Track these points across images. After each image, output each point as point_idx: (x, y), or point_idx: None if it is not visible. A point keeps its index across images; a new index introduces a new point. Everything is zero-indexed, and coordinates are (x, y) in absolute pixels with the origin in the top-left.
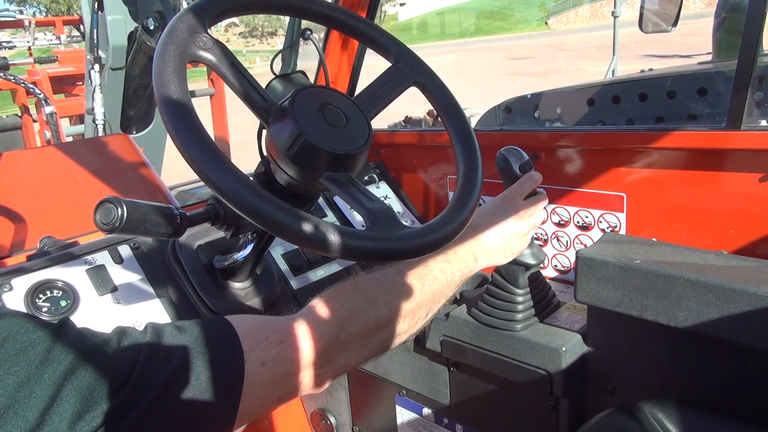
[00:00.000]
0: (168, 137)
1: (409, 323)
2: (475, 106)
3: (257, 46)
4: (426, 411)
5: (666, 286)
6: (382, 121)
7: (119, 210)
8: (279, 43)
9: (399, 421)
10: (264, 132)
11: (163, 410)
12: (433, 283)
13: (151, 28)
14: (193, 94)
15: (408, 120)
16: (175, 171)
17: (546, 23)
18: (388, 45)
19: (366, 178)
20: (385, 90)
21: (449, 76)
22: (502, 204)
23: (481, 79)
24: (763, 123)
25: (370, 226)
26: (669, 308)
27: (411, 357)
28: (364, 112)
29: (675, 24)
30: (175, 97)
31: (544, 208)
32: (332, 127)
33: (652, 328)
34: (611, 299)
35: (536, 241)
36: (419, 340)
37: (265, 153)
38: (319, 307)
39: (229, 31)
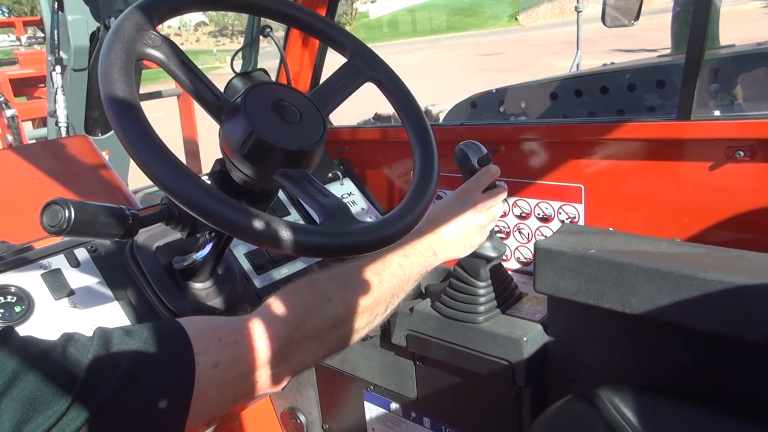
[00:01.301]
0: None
1: (367, 319)
2: (444, 103)
3: (228, 45)
4: (394, 406)
5: (620, 274)
6: (353, 118)
7: (66, 212)
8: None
9: (368, 416)
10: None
11: (111, 416)
12: (391, 278)
13: None
14: (159, 94)
15: (377, 117)
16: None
17: (516, 19)
18: (343, 41)
19: (330, 175)
20: (340, 86)
21: (421, 74)
22: (460, 197)
23: (453, 76)
24: (717, 113)
25: (323, 222)
26: (623, 295)
27: (378, 353)
28: (319, 108)
29: (637, 18)
30: (120, 95)
31: (505, 200)
32: (286, 123)
33: (608, 315)
34: (569, 288)
35: (498, 234)
36: (385, 336)
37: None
38: (275, 305)
39: (198, 30)
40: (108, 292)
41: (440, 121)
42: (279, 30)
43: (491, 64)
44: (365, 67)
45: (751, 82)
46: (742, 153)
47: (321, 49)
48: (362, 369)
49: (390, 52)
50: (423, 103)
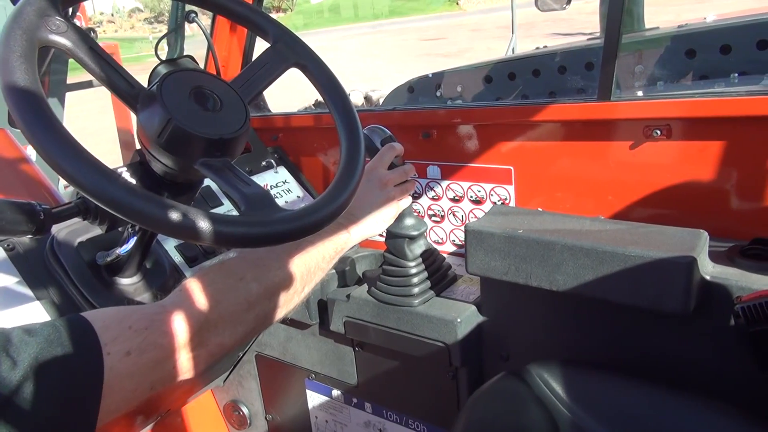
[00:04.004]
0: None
1: (284, 298)
2: (387, 88)
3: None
4: (335, 393)
5: (546, 252)
6: (296, 105)
7: None
8: (187, 28)
9: (310, 405)
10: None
11: (11, 417)
12: (305, 257)
13: None
14: (90, 84)
15: (317, 104)
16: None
17: (457, 3)
18: (265, 26)
19: (264, 163)
20: (263, 72)
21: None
22: (365, 176)
23: (396, 61)
24: (640, 94)
25: (245, 211)
26: (550, 273)
27: (317, 341)
28: (241, 95)
29: (568, 2)
30: (21, 84)
31: (440, 185)
32: (206, 111)
33: (537, 293)
34: (499, 269)
35: (434, 217)
36: (323, 323)
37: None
38: (187, 289)
39: (133, 17)
40: (28, 291)
41: (380, 103)
42: (206, 16)
43: (434, 49)
44: (289, 52)
45: (672, 63)
46: (659, 132)
47: (250, 35)
48: (302, 358)
49: (332, 38)
50: (363, 88)
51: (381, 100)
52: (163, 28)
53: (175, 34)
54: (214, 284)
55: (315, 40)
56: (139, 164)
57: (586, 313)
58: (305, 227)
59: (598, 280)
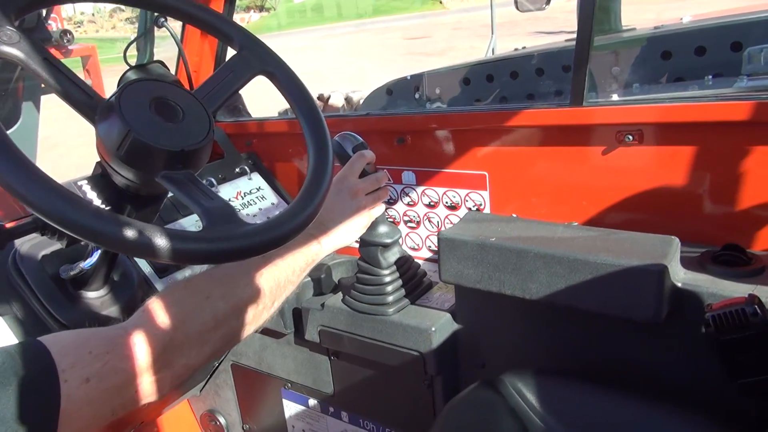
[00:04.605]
0: (38, 133)
1: (252, 314)
2: (369, 87)
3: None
4: (312, 402)
5: (519, 260)
6: (273, 109)
7: None
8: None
9: (287, 414)
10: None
11: None
12: (274, 271)
13: None
14: None
15: None
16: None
17: (440, 1)
18: (230, 33)
19: (237, 170)
20: (228, 80)
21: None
22: (335, 186)
23: (380, 60)
24: (615, 97)
25: (207, 226)
26: (523, 282)
27: (293, 350)
28: (205, 105)
29: (547, 3)
30: None
31: (415, 191)
32: (167, 122)
33: (510, 302)
34: (472, 277)
35: (410, 224)
36: (299, 332)
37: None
38: (150, 310)
39: (114, 17)
40: None
41: (360, 105)
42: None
43: (418, 48)
44: (255, 60)
45: (648, 64)
46: (630, 137)
47: None
48: (278, 367)
49: (315, 37)
50: (344, 89)
51: (362, 101)
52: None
53: (144, 38)
54: (179, 303)
55: (298, 39)
56: (100, 176)
57: (560, 321)
58: (270, 241)
59: (571, 288)
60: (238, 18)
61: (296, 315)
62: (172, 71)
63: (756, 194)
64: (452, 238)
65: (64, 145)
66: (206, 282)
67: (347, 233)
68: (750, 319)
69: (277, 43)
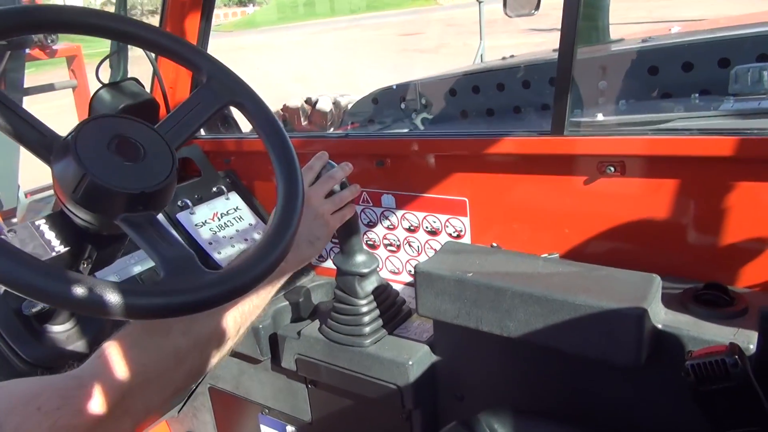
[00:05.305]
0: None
1: (215, 347)
2: (365, 84)
3: None
4: (290, 429)
5: (497, 297)
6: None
7: None
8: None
9: None
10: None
11: None
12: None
13: None
14: (52, 87)
15: (285, 109)
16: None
17: None
18: (198, 62)
19: (214, 189)
20: (195, 113)
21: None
22: None
23: (374, 57)
24: (600, 117)
25: (165, 277)
26: (501, 319)
27: (270, 376)
28: (168, 141)
29: (537, 8)
30: None
31: (395, 214)
32: (126, 162)
33: (489, 338)
34: (450, 312)
35: (389, 247)
36: (275, 359)
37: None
38: (106, 355)
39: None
40: None
41: (348, 110)
42: None
43: (411, 45)
44: (224, 90)
45: (634, 80)
46: (612, 168)
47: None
48: (255, 392)
49: (307, 32)
50: (332, 93)
51: (350, 106)
52: None
53: (118, 55)
54: (138, 344)
55: (290, 35)
56: (59, 214)
57: (539, 360)
58: (232, 291)
59: (549, 328)
60: (232, 13)
61: (273, 341)
62: (147, 88)
63: (739, 230)
64: (429, 272)
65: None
66: (166, 319)
67: (309, 245)
68: (730, 370)
69: (267, 38)
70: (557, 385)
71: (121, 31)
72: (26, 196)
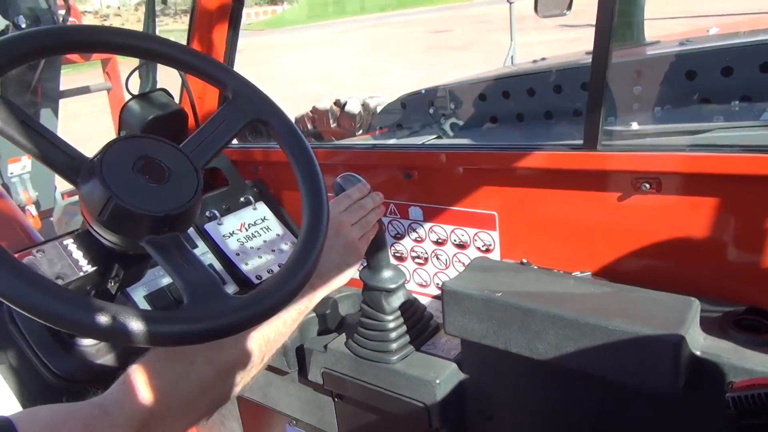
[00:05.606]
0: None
1: (240, 376)
2: (392, 85)
3: (171, 24)
4: None
5: (526, 319)
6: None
7: None
8: None
9: None
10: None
11: None
12: (262, 327)
13: (23, 26)
14: (87, 89)
15: (314, 110)
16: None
17: None
18: (224, 78)
19: (242, 199)
20: (219, 132)
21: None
22: None
23: (403, 55)
24: (635, 126)
25: (188, 303)
26: (530, 341)
27: (297, 388)
28: (193, 161)
29: (569, 8)
30: None
31: (422, 227)
32: (152, 184)
33: (518, 359)
34: (477, 332)
35: (418, 259)
36: (303, 371)
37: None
38: (130, 382)
39: (140, 10)
40: None
41: (377, 112)
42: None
43: (441, 42)
44: (249, 108)
45: (671, 85)
46: (648, 185)
47: (228, 63)
48: (283, 404)
49: (337, 31)
50: (361, 95)
51: (379, 108)
52: (170, 21)
53: (147, 66)
54: (162, 373)
55: (320, 33)
56: (86, 233)
57: (570, 383)
58: (256, 315)
59: (581, 352)
60: (263, 11)
61: (299, 353)
62: (176, 98)
63: None
64: (457, 291)
65: (91, 141)
66: (190, 347)
67: (339, 272)
68: None
69: (297, 37)
70: (589, 410)
71: (147, 49)
72: (63, 197)
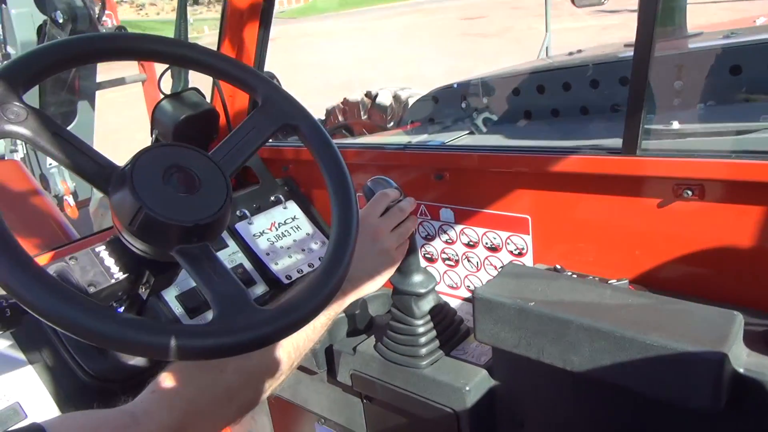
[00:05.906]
0: (95, 132)
1: (269, 383)
2: (423, 73)
3: (205, 13)
4: None
5: (561, 330)
6: (323, 100)
7: None
8: None
9: None
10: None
11: None
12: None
13: (60, 21)
14: (122, 81)
15: (345, 102)
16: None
17: None
18: (253, 83)
19: (272, 198)
20: (249, 139)
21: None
22: None
23: (436, 43)
24: (676, 125)
25: (216, 316)
26: (564, 352)
27: (326, 387)
28: (223, 168)
29: None
30: None
31: (453, 229)
32: (181, 194)
33: (551, 369)
34: (509, 341)
35: (449, 261)
36: (332, 371)
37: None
38: (160, 390)
39: None
40: (20, 356)
41: (409, 106)
42: (214, 44)
43: (473, 29)
44: (278, 113)
45: (714, 81)
46: (690, 192)
47: (258, 63)
48: (312, 402)
49: (369, 18)
50: (392, 87)
51: (411, 100)
52: (203, 10)
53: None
54: (191, 381)
55: (351, 21)
56: (118, 241)
57: (605, 397)
58: (285, 327)
59: (617, 365)
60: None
61: (329, 353)
62: (208, 97)
63: None
64: (489, 299)
65: (126, 130)
66: None
67: (372, 279)
68: None
69: (326, 26)
70: (623, 424)
71: (177, 55)
72: (92, 210)
